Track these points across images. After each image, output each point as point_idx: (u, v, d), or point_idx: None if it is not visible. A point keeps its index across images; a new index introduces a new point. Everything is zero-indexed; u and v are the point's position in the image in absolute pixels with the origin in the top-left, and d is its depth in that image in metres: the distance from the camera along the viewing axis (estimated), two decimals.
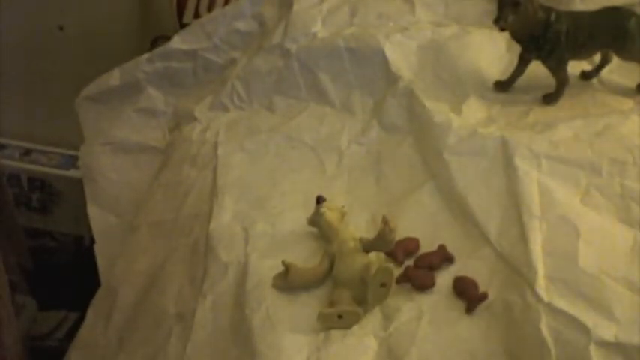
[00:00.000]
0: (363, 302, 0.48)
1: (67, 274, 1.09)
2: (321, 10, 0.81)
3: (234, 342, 0.47)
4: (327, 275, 0.50)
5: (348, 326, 0.47)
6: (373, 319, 0.48)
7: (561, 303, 0.45)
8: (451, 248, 0.52)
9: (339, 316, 0.47)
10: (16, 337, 0.74)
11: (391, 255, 0.52)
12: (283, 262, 0.49)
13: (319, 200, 0.55)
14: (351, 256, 0.49)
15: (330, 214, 0.54)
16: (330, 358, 0.45)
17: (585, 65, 0.71)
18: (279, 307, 0.49)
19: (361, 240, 0.51)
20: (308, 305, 0.49)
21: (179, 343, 0.49)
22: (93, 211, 0.75)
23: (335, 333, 0.47)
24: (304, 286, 0.50)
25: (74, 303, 1.01)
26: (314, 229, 0.55)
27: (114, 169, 0.77)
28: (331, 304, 0.48)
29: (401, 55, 0.74)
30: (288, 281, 0.49)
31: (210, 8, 1.09)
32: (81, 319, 0.67)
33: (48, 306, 1.03)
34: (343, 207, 0.56)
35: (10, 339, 0.72)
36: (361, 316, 0.47)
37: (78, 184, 0.93)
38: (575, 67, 0.69)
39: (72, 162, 1.22)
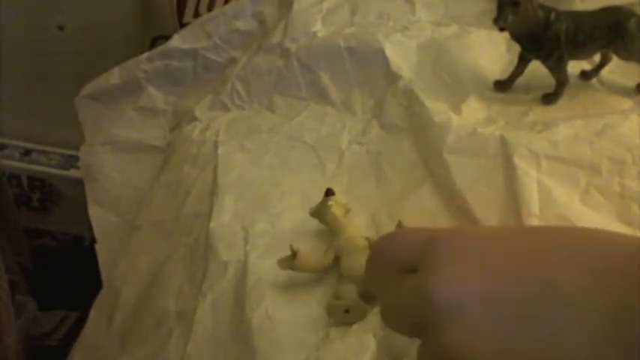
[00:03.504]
0: (368, 299, 0.48)
1: (67, 274, 1.09)
2: (321, 9, 0.81)
3: (234, 340, 0.47)
4: (331, 267, 0.50)
5: (354, 322, 0.47)
6: (372, 318, 0.48)
7: None
8: None
9: (346, 311, 0.47)
10: (16, 337, 0.74)
11: None
12: (291, 247, 0.49)
13: (328, 193, 0.55)
14: (360, 254, 0.49)
15: (336, 207, 0.54)
16: (329, 357, 0.45)
17: (585, 65, 0.71)
18: (279, 306, 0.49)
19: (368, 239, 0.51)
20: (308, 304, 0.49)
21: (180, 342, 0.49)
22: (94, 211, 0.75)
23: (334, 332, 0.47)
24: (310, 272, 0.50)
25: (74, 303, 1.02)
26: (313, 229, 0.55)
27: (115, 168, 0.77)
28: (337, 298, 0.48)
29: (401, 54, 0.74)
30: (294, 265, 0.49)
31: (210, 7, 1.09)
32: (81, 319, 0.67)
33: (48, 306, 1.03)
34: (347, 204, 0.56)
35: (10, 339, 0.72)
36: (367, 313, 0.47)
37: (78, 184, 0.93)
38: (575, 67, 0.69)
39: (72, 162, 1.22)
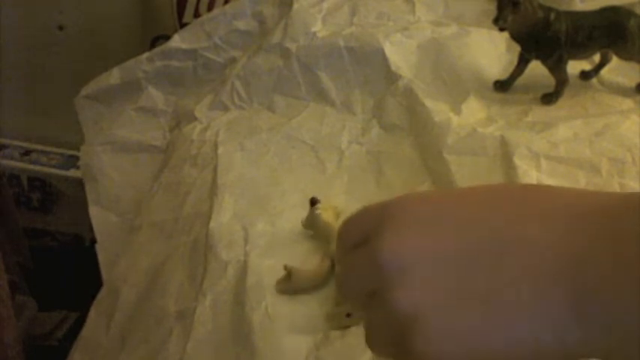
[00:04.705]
0: None
1: (67, 274, 1.09)
2: (321, 9, 0.81)
3: (234, 340, 0.47)
4: (329, 275, 0.50)
5: (357, 324, 0.46)
6: None
7: None
8: None
9: (348, 315, 0.47)
10: (16, 337, 0.74)
11: None
12: (285, 267, 0.49)
13: (313, 202, 0.55)
14: None
15: (325, 214, 0.53)
16: (329, 356, 0.45)
17: (585, 65, 0.71)
18: (279, 305, 0.49)
19: None
20: (307, 304, 0.49)
21: (180, 342, 0.49)
22: (94, 211, 0.75)
23: (334, 332, 0.47)
24: (308, 288, 0.50)
25: (74, 303, 1.02)
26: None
27: (114, 168, 0.77)
28: (337, 303, 0.48)
29: (401, 54, 0.74)
30: (291, 284, 0.49)
31: (210, 7, 1.09)
32: (81, 319, 0.67)
33: (48, 306, 1.03)
34: (336, 207, 0.56)
35: (10, 339, 0.72)
36: None
37: (78, 184, 0.93)
38: (575, 67, 0.69)
39: (72, 162, 1.22)
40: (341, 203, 0.57)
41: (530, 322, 0.25)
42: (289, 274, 0.49)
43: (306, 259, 0.53)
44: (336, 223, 0.53)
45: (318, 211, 0.54)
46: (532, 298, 0.26)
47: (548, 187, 0.30)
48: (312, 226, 0.54)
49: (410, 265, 0.27)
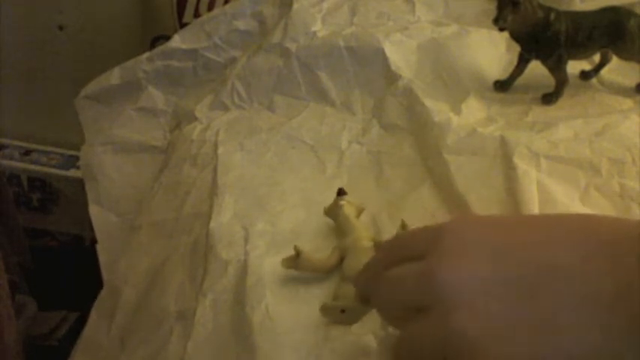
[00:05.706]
0: (366, 301, 0.47)
1: (67, 274, 1.09)
2: (321, 9, 0.81)
3: (234, 340, 0.47)
4: (335, 268, 0.50)
5: (350, 323, 0.46)
6: (373, 318, 0.48)
7: None
8: None
9: (342, 311, 0.46)
10: (16, 337, 0.74)
11: None
12: (295, 247, 0.49)
13: (340, 192, 0.55)
14: (364, 255, 0.49)
15: (348, 207, 0.54)
16: (329, 356, 0.45)
17: (585, 65, 0.71)
18: (279, 305, 0.49)
19: (374, 241, 0.50)
20: (308, 303, 0.49)
21: (180, 342, 0.49)
22: (94, 211, 0.75)
23: (335, 332, 0.47)
24: (312, 272, 0.50)
25: (74, 303, 1.02)
26: (313, 228, 0.55)
27: (115, 168, 0.77)
28: (336, 298, 0.48)
29: (401, 54, 0.74)
30: (297, 264, 0.49)
31: (210, 7, 1.09)
32: (81, 319, 0.67)
33: (48, 306, 1.03)
34: (360, 206, 0.56)
35: (10, 339, 0.72)
36: (364, 314, 0.47)
37: (78, 184, 0.93)
38: (575, 67, 0.69)
39: (72, 162, 1.23)
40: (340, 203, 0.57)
41: (590, 346, 0.26)
42: (297, 254, 0.49)
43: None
44: (356, 220, 0.53)
45: (342, 203, 0.54)
46: (587, 329, 0.26)
47: (603, 217, 0.31)
48: (332, 214, 0.54)
49: (467, 291, 0.28)
